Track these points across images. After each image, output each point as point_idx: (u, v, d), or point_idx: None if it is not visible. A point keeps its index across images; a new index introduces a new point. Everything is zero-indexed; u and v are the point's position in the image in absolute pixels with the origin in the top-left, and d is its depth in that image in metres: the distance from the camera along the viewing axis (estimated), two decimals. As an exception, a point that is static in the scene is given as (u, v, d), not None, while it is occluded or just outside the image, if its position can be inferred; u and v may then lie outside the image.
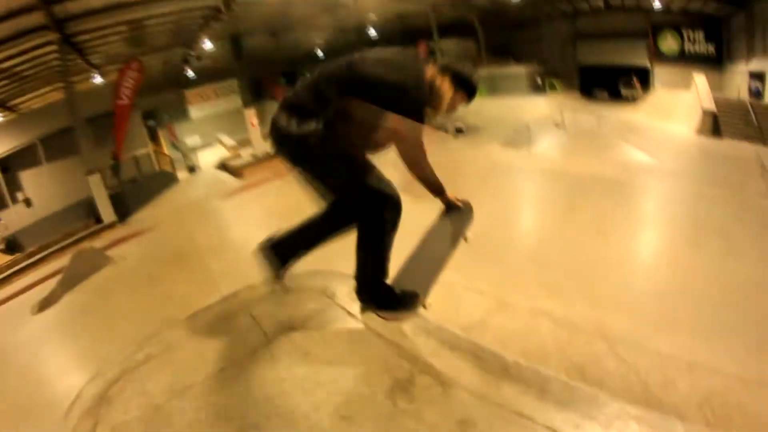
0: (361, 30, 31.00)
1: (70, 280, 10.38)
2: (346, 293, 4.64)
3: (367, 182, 2.81)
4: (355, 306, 4.13)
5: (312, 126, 2.52)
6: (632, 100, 27.54)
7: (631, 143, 17.43)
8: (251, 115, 20.19)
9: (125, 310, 8.48)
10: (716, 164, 15.58)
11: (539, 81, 31.87)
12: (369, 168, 2.94)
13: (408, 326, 4.05)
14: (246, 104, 20.75)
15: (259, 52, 29.17)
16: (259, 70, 33.45)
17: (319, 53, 37.10)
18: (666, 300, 7.11)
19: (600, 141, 17.82)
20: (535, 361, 4.87)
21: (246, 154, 21.43)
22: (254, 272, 3.97)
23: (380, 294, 3.04)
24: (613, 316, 6.44)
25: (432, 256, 3.55)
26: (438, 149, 17.24)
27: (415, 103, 2.56)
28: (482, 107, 27.30)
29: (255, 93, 30.83)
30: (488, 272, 7.21)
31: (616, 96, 31.09)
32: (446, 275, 6.18)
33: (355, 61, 2.64)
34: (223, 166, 21.79)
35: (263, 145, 20.07)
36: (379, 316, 3.19)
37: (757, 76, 22.07)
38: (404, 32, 33.54)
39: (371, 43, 32.13)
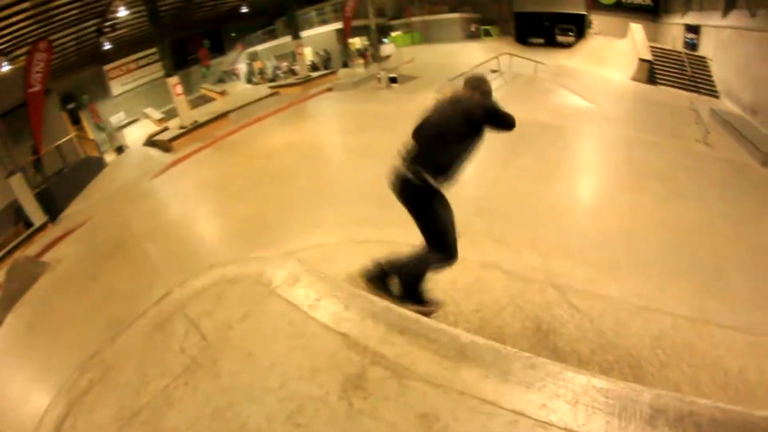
0: None
1: (9, 299, 9.92)
2: (283, 278, 4.65)
3: (450, 238, 4.36)
4: (293, 292, 4.32)
5: (441, 181, 3.98)
6: (568, 47, 28.60)
7: (568, 89, 17.84)
8: (174, 83, 18.93)
9: (71, 317, 8.15)
10: (653, 111, 16.26)
11: (473, 28, 32.09)
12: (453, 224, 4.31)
13: (353, 311, 4.03)
14: (168, 73, 19.37)
15: (178, 13, 27.82)
16: (180, 33, 31.87)
17: (244, 9, 35.15)
18: (612, 245, 7.29)
19: (538, 86, 18.06)
20: (491, 314, 5.27)
21: (174, 126, 20.28)
22: (191, 252, 4.29)
23: (420, 294, 4.61)
24: (562, 264, 6.55)
25: None
26: (373, 99, 17.57)
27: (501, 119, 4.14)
28: (417, 55, 27.64)
29: (180, 58, 30.18)
30: None
31: (552, 43, 32.10)
32: (392, 232, 6.16)
33: (473, 106, 4.02)
34: (151, 142, 20.53)
35: (190, 114, 19.17)
36: (417, 310, 4.23)
37: (692, 28, 23.28)
38: None
39: None
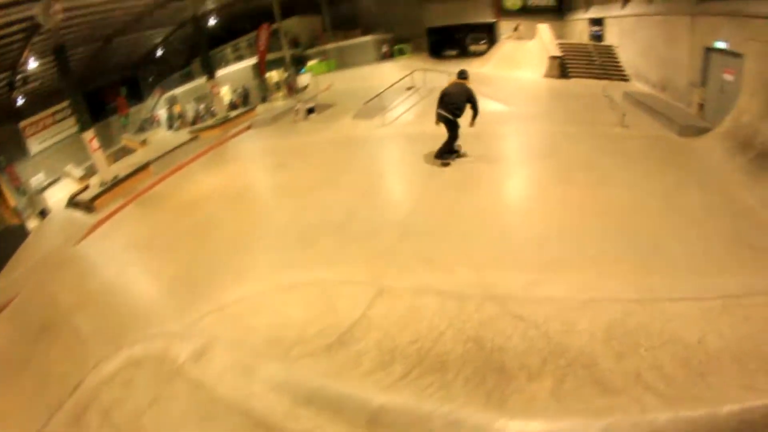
0: (199, 21, 28.67)
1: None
2: (188, 354, 4.63)
3: (457, 132, 10.71)
4: (198, 369, 4.37)
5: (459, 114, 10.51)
6: (481, 54, 29.50)
7: (483, 94, 17.69)
8: (90, 138, 17.82)
9: (4, 411, 7.29)
10: (568, 103, 16.81)
11: (385, 48, 32.64)
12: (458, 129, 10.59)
13: (258, 384, 4.06)
14: (83, 127, 18.23)
15: (91, 61, 26.33)
16: (95, 82, 30.54)
17: (159, 52, 34.02)
18: (547, 243, 7.18)
19: None
20: (430, 343, 5.03)
21: (95, 183, 19.29)
22: (119, 323, 4.21)
23: (452, 151, 10.89)
24: (498, 273, 6.38)
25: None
26: (292, 133, 17.47)
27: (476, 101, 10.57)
28: (333, 82, 27.83)
29: (97, 108, 28.68)
30: (362, 256, 7.12)
31: (465, 53, 33.35)
32: (317, 271, 6.43)
33: (468, 89, 10.70)
34: (74, 203, 19.25)
35: (110, 170, 18.23)
36: (450, 159, 10.93)
37: (596, 21, 24.79)
38: (246, 16, 32.20)
39: (212, 34, 30.82)
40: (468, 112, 10.69)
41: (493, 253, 6.91)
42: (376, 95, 17.27)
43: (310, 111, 20.31)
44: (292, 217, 9.06)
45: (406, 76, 19.33)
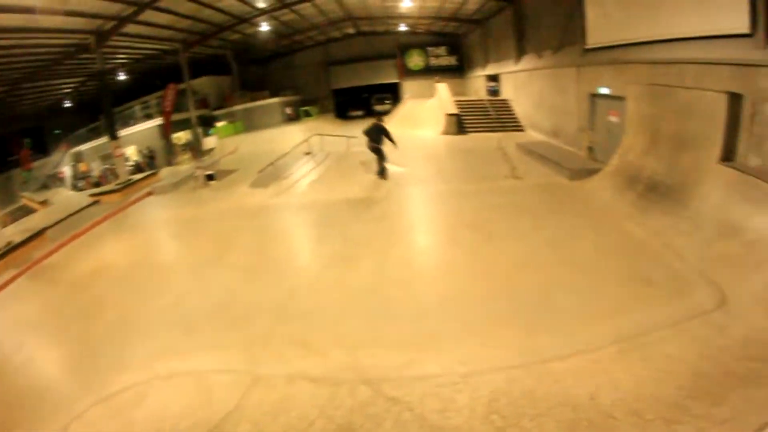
0: (109, 74, 27.23)
1: None
2: None
3: (382, 156, 14.90)
4: None
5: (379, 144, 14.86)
6: (385, 114, 30.06)
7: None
8: None
9: None
10: (463, 160, 17.25)
11: (289, 111, 32.79)
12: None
13: None
14: None
15: None
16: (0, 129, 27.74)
17: (68, 104, 31.94)
18: (427, 315, 6.82)
19: (350, 162, 18.33)
20: None
21: None
22: None
23: (383, 170, 14.97)
24: (373, 353, 6.02)
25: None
26: (191, 202, 16.76)
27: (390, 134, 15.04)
28: (240, 144, 27.31)
29: (1, 158, 27.21)
30: (240, 341, 6.80)
31: (370, 113, 33.78)
32: (196, 358, 6.39)
33: (382, 129, 15.01)
34: None
35: (2, 235, 16.65)
36: (385, 176, 14.91)
37: (492, 77, 26.37)
38: (154, 73, 31.33)
39: (121, 89, 30.06)
40: (388, 142, 14.99)
41: (370, 331, 6.61)
42: (271, 163, 17.30)
43: (210, 178, 19.53)
44: (177, 298, 8.56)
45: (303, 142, 19.57)
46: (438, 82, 27.24)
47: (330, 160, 18.79)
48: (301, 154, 19.34)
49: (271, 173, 17.13)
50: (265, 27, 24.67)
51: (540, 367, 5.24)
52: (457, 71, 33.12)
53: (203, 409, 5.43)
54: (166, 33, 23.04)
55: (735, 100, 8.07)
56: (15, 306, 10.47)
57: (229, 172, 20.69)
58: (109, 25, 18.66)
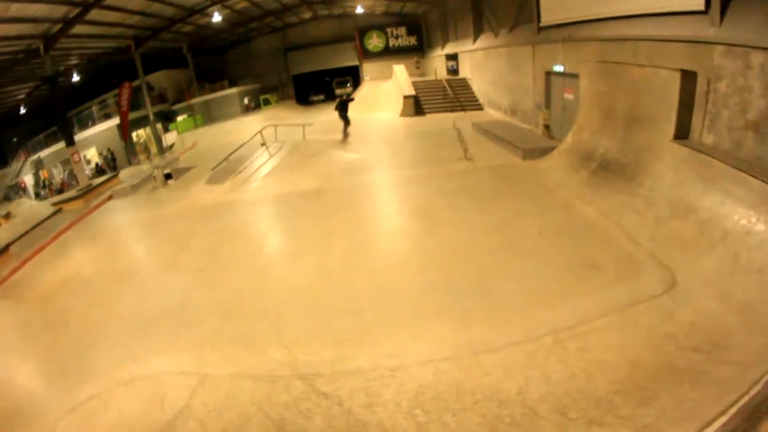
0: (62, 76, 26.27)
1: None
2: None
3: (347, 115, 19.83)
4: None
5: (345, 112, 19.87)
6: (347, 97, 29.16)
7: (336, 146, 18.54)
8: None
9: None
10: (419, 141, 17.14)
11: (247, 101, 31.98)
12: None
13: None
14: None
15: None
16: None
17: (23, 110, 30.63)
18: (362, 309, 6.85)
19: (305, 151, 18.14)
20: (235, 430, 5.06)
21: None
22: None
23: (346, 134, 19.84)
24: (310, 349, 6.19)
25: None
26: (150, 204, 16.52)
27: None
28: (200, 138, 26.79)
29: None
30: (191, 344, 7.01)
31: (332, 97, 33.25)
32: (156, 362, 6.63)
33: (345, 102, 20.07)
34: None
35: None
36: (347, 137, 19.61)
37: (451, 57, 25.89)
38: (109, 70, 30.04)
39: (77, 90, 29.01)
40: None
41: (307, 328, 6.70)
42: (225, 158, 17.35)
43: (168, 177, 19.30)
44: (136, 304, 8.72)
45: (255, 134, 19.46)
46: (418, 64, 26.69)
47: (284, 151, 18.64)
48: (257, 146, 19.12)
49: (226, 168, 17.05)
50: (217, 17, 23.92)
51: (470, 359, 5.22)
52: (418, 51, 32.68)
53: (157, 411, 5.73)
54: (116, 30, 22.34)
55: (689, 77, 7.84)
56: None
57: (187, 169, 20.40)
58: (56, 28, 18.09)
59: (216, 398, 5.69)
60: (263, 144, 18.99)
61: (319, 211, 11.58)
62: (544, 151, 12.16)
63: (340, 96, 21.45)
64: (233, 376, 5.99)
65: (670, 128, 8.09)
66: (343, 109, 19.53)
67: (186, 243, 11.52)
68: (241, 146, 18.36)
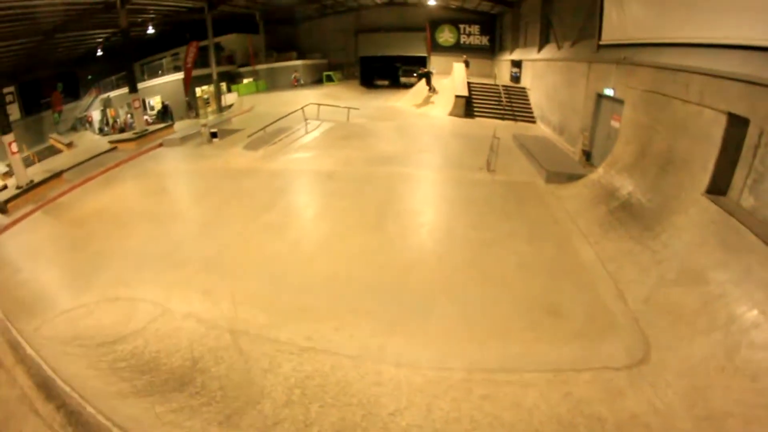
0: (137, 27, 27.22)
1: None
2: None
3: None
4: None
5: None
6: (411, 87, 29.31)
7: (375, 135, 18.13)
8: (9, 142, 16.98)
9: None
10: (454, 144, 16.58)
11: (295, 75, 31.96)
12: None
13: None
14: (3, 130, 17.18)
15: (31, 53, 24.92)
16: (33, 74, 28.73)
17: (99, 52, 31.96)
18: (313, 289, 7.25)
19: (340, 133, 18.41)
20: (165, 356, 5.86)
21: (12, 185, 18.31)
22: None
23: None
24: (250, 312, 6.77)
25: None
26: (192, 157, 17.65)
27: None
28: (258, 103, 27.32)
29: (33, 101, 28.42)
30: (168, 281, 7.96)
31: (396, 84, 32.89)
32: (133, 292, 7.69)
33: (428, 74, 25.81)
34: None
35: (26, 174, 17.68)
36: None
37: (516, 63, 24.81)
38: (184, 26, 30.57)
39: (151, 40, 29.77)
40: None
41: (259, 292, 7.33)
42: (262, 128, 18.03)
43: (214, 135, 20.17)
44: (142, 241, 9.94)
45: (296, 110, 19.90)
46: (465, 60, 25.56)
47: (321, 131, 18.94)
48: (300, 120, 19.47)
49: (263, 138, 17.69)
50: None
51: (372, 366, 5.28)
52: (488, 52, 31.30)
53: (122, 326, 6.75)
54: None
55: (738, 123, 6.63)
56: (26, 236, 12.27)
57: (234, 131, 21.16)
58: None
59: (166, 328, 6.57)
60: (306, 120, 19.29)
61: (322, 192, 12.24)
62: (571, 178, 11.37)
63: (427, 74, 25.05)
64: (185, 315, 6.81)
65: (704, 179, 7.02)
66: (428, 81, 24.64)
67: (202, 198, 12.71)
68: (280, 119, 18.91)
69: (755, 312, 4.87)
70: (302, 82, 31.58)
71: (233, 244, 9.42)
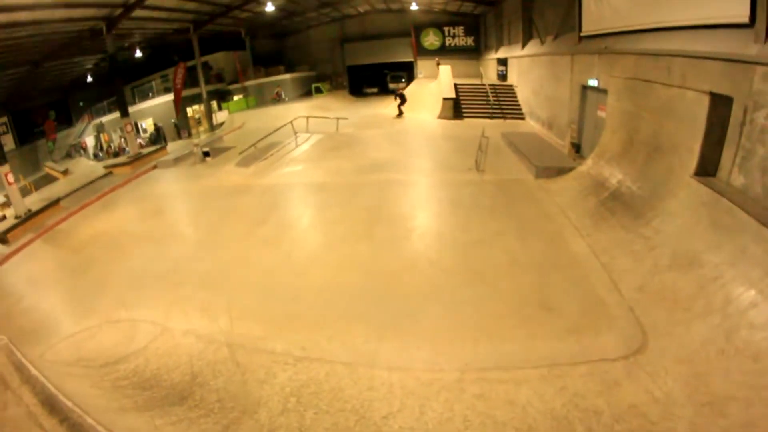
0: (124, 50, 27.81)
1: None
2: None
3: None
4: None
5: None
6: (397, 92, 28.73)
7: (364, 143, 18.31)
8: (5, 173, 17.12)
9: None
10: (443, 146, 16.71)
11: (275, 94, 31.94)
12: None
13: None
14: None
15: (21, 81, 25.48)
16: (24, 103, 29.49)
17: (89, 78, 32.42)
18: (304, 300, 7.31)
19: (329, 144, 18.60)
20: (165, 372, 5.99)
21: (10, 215, 18.19)
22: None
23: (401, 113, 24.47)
24: (245, 325, 6.91)
25: None
26: (186, 177, 17.76)
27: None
28: (248, 120, 27.43)
29: (25, 130, 28.85)
30: (168, 301, 8.06)
31: (385, 91, 33.09)
32: (134, 313, 7.80)
33: (402, 93, 25.02)
34: None
35: (23, 204, 17.86)
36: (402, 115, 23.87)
37: (502, 62, 24.83)
38: (171, 48, 31.09)
39: (139, 63, 30.16)
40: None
41: (253, 306, 7.45)
42: (252, 145, 18.14)
43: (206, 155, 20.44)
44: (142, 263, 10.08)
45: (286, 124, 20.02)
46: (439, 63, 25.81)
47: (310, 143, 19.19)
48: (289, 134, 19.69)
49: (254, 154, 17.88)
50: (270, 7, 24.02)
51: (364, 372, 5.30)
52: (474, 53, 31.49)
53: (124, 346, 6.91)
54: (175, 15, 23.53)
55: (721, 102, 6.55)
56: (27, 264, 12.35)
57: (226, 148, 21.41)
58: (118, 11, 19.34)
59: (166, 345, 6.72)
60: (295, 133, 19.48)
61: (314, 203, 12.43)
62: (561, 172, 11.35)
63: (398, 91, 24.57)
64: (184, 332, 6.97)
65: (692, 161, 6.92)
66: (401, 103, 23.72)
67: (199, 217, 12.98)
68: (269, 134, 19.11)
69: (753, 292, 4.76)
70: (284, 97, 31.62)
71: (229, 260, 9.57)
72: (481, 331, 5.85)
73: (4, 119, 27.65)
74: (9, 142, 27.17)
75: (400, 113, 23.14)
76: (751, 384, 4.11)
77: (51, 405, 4.05)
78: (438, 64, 28.15)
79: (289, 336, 6.30)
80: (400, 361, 5.42)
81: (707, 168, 6.75)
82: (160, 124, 30.12)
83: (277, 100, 31.65)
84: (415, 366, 5.30)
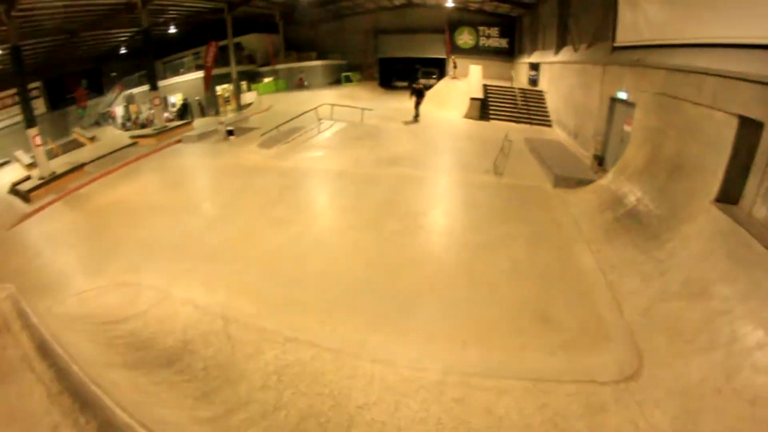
0: (158, 26, 27.93)
1: None
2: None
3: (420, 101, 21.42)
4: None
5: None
6: (429, 88, 28.79)
7: (388, 136, 18.34)
8: (33, 135, 17.88)
9: None
10: (465, 146, 16.49)
11: (300, 79, 31.99)
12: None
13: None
14: (29, 123, 18.07)
15: (57, 49, 25.74)
16: (58, 70, 29.58)
17: (122, 50, 33.13)
18: (302, 284, 7.42)
19: (352, 134, 18.64)
20: (161, 335, 6.26)
21: (35, 175, 19.19)
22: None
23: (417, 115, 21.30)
24: (242, 301, 7.03)
25: None
26: (208, 153, 18.11)
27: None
28: (276, 103, 27.56)
29: (58, 96, 29.30)
30: (171, 271, 8.30)
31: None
32: (141, 278, 8.13)
33: (422, 90, 22.06)
34: (14, 191, 18.89)
35: (48, 166, 18.52)
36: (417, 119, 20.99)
37: (534, 66, 24.44)
38: (206, 26, 30.80)
39: (173, 39, 30.52)
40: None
41: (253, 284, 7.57)
42: (275, 127, 18.21)
43: (230, 133, 20.60)
44: (155, 232, 10.37)
45: (310, 110, 20.26)
46: (454, 61, 26.61)
47: (333, 131, 19.22)
48: (314, 120, 19.90)
49: (277, 136, 17.98)
50: None
51: (349, 360, 5.37)
52: (507, 55, 30.84)
53: (126, 308, 7.16)
54: None
55: (750, 127, 6.19)
56: (46, 224, 12.86)
57: (250, 129, 21.54)
58: None
59: (165, 312, 6.92)
60: (320, 119, 19.69)
61: (329, 190, 12.60)
62: (580, 183, 11.10)
63: (419, 85, 22.02)
64: (184, 301, 7.17)
65: (714, 186, 6.59)
66: (418, 102, 21.23)
67: (214, 193, 13.37)
68: (293, 118, 19.18)
69: (761, 332, 4.47)
70: (306, 83, 31.63)
71: (237, 237, 9.79)
72: (471, 335, 5.80)
73: (38, 84, 28.27)
74: (40, 107, 27.68)
75: (417, 115, 20.89)
76: (741, 429, 3.93)
77: (44, 351, 4.31)
78: (455, 66, 27.91)
79: (283, 316, 6.44)
80: (385, 355, 5.46)
81: (730, 195, 6.44)
82: (188, 100, 30.49)
83: (301, 86, 31.72)
84: (398, 361, 5.33)
